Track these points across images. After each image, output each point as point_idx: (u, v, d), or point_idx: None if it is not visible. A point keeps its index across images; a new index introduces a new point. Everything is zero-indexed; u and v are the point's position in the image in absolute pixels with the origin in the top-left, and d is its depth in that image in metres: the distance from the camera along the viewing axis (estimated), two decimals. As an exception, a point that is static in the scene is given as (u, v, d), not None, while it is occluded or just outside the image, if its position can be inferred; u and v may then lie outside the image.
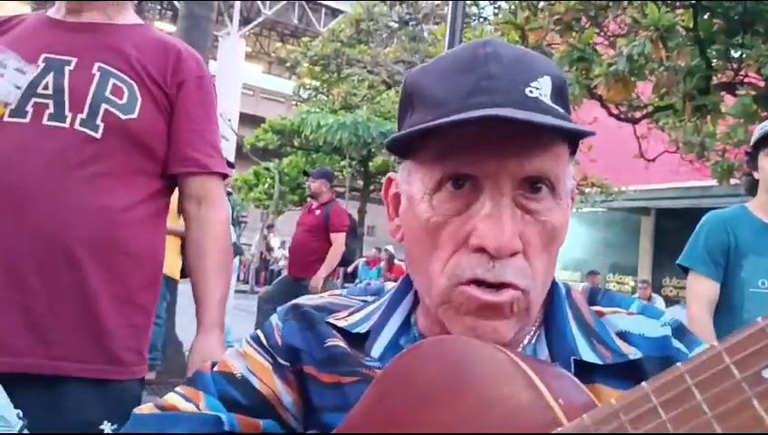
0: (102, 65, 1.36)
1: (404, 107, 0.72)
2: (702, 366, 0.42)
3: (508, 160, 0.63)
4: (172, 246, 4.96)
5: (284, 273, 6.76)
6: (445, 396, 0.57)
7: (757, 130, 2.17)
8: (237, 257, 6.22)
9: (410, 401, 0.59)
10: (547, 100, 0.65)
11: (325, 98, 19.73)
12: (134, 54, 1.40)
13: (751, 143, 2.20)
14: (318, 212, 5.43)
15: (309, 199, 5.88)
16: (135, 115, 1.36)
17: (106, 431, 1.31)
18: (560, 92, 0.67)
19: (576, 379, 0.59)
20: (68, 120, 1.32)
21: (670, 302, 11.63)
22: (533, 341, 0.73)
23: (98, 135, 1.33)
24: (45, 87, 1.33)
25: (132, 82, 1.37)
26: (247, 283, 18.10)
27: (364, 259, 12.65)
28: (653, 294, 10.54)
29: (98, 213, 1.32)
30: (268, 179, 18.14)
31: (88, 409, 1.30)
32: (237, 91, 29.82)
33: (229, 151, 21.70)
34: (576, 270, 14.62)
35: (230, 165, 5.95)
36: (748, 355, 0.40)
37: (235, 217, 6.46)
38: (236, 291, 7.93)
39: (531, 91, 0.64)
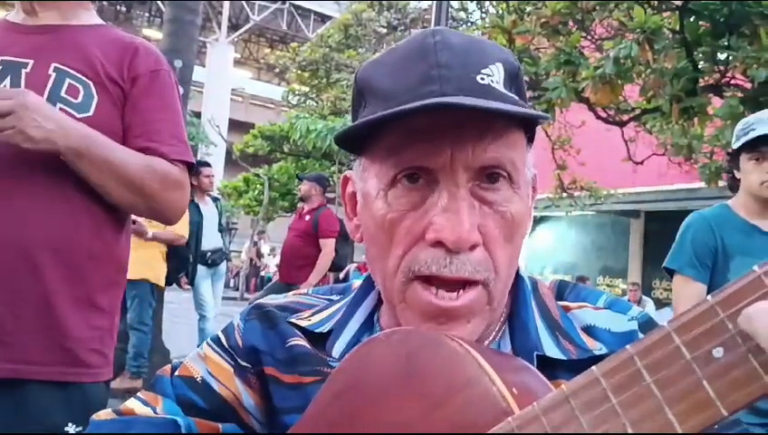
0: (58, 66, 1.36)
1: (357, 102, 0.71)
2: (651, 347, 0.41)
3: (462, 150, 0.62)
4: (157, 253, 4.94)
5: (275, 279, 6.74)
6: (397, 390, 0.56)
7: (738, 131, 2.15)
8: (225, 263, 6.20)
9: (364, 396, 0.58)
10: (499, 86, 0.64)
11: (315, 103, 19.69)
12: (91, 53, 1.39)
13: (732, 146, 2.19)
14: (308, 217, 5.41)
15: (300, 205, 5.85)
16: (90, 113, 1.35)
17: (71, 433, 1.30)
18: (513, 79, 0.66)
19: (535, 369, 0.57)
20: None
21: (661, 304, 11.66)
22: (498, 337, 0.71)
23: None
24: None
25: (88, 80, 1.37)
26: (237, 289, 18.02)
27: (355, 265, 12.61)
28: (643, 297, 10.56)
29: (55, 214, 1.32)
30: (258, 186, 18.07)
31: (51, 412, 1.30)
32: (226, 98, 29.83)
33: (218, 158, 21.65)
34: (566, 273, 14.64)
35: (206, 164, 5.91)
36: (698, 335, 0.39)
37: (225, 223, 6.44)
38: (224, 298, 7.88)
39: (482, 78, 0.63)
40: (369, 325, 0.77)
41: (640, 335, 0.69)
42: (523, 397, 0.50)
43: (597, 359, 0.66)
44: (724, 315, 0.38)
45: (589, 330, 0.71)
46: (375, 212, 0.66)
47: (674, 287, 2.22)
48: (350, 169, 0.75)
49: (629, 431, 0.40)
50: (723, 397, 0.37)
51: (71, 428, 1.30)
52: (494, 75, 0.64)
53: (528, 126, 0.67)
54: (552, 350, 0.68)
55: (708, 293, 1.95)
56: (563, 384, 0.45)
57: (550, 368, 0.66)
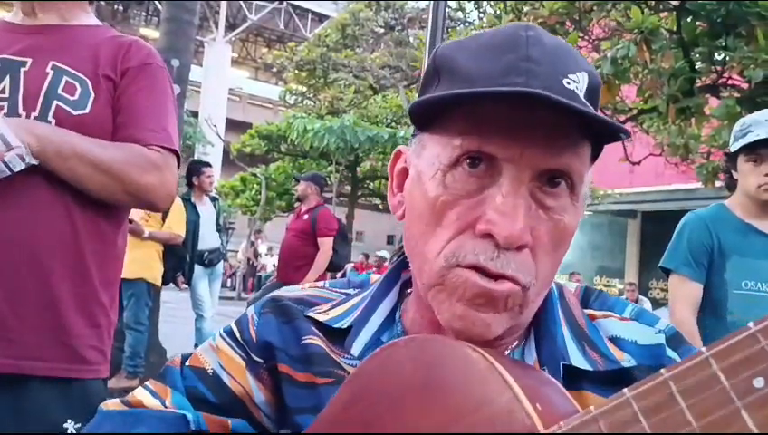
0: (56, 63, 1.37)
1: (429, 78, 0.68)
2: (687, 372, 0.38)
3: (534, 148, 0.60)
4: (154, 253, 4.93)
5: (273, 279, 6.73)
6: (416, 400, 0.54)
7: (735, 132, 2.16)
8: (221, 263, 6.19)
9: (382, 404, 0.56)
10: (581, 96, 0.61)
11: (312, 103, 19.71)
12: (89, 52, 1.40)
13: (730, 147, 2.19)
14: (306, 217, 5.41)
15: (298, 204, 5.85)
16: (87, 110, 1.36)
17: (69, 431, 1.30)
18: (593, 93, 0.64)
19: (559, 384, 0.56)
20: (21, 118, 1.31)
21: (657, 304, 11.69)
22: (522, 343, 0.69)
23: None
24: (3, 90, 1.33)
25: (85, 78, 1.37)
26: (234, 289, 18.01)
27: (352, 265, 12.62)
28: (640, 297, 10.59)
29: (56, 211, 1.32)
30: (255, 185, 18.06)
31: (51, 408, 1.30)
32: (224, 97, 29.81)
33: (215, 157, 21.65)
34: (564, 273, 14.67)
35: (207, 165, 5.92)
36: (737, 362, 0.37)
37: (223, 223, 6.42)
38: (221, 297, 7.87)
39: (568, 83, 0.61)
40: (390, 322, 0.74)
41: (668, 349, 0.67)
42: (548, 413, 0.48)
43: (623, 371, 0.65)
44: (765, 343, 0.36)
45: (614, 341, 0.68)
46: (428, 191, 0.64)
47: (670, 287, 2.22)
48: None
49: None
50: (763, 429, 0.35)
51: (69, 425, 1.31)
52: (580, 83, 0.62)
53: (596, 144, 0.65)
54: (578, 360, 0.66)
55: (704, 292, 1.95)
56: (592, 405, 0.43)
57: (575, 378, 0.65)
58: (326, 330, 0.75)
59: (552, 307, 0.70)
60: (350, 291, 0.81)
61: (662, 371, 0.40)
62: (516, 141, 0.60)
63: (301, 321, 0.76)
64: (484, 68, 0.61)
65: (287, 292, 0.81)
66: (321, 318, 0.76)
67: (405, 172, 0.71)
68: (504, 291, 0.60)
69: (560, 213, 0.62)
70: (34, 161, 1.24)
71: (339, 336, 0.74)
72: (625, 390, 0.41)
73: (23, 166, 1.22)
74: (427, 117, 0.66)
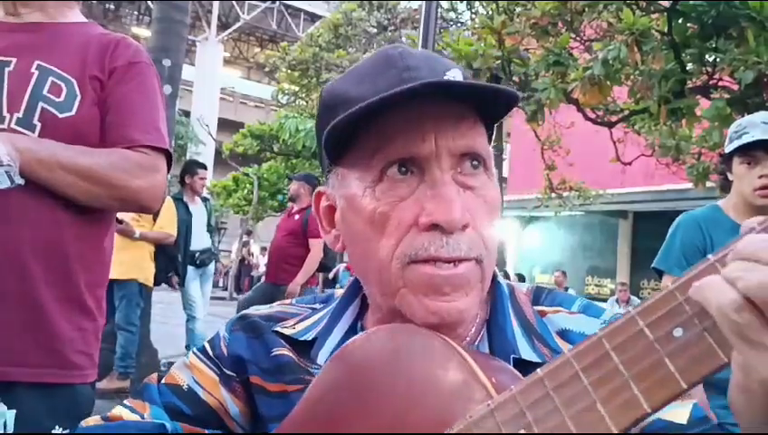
0: (41, 63, 1.34)
1: (325, 116, 0.71)
2: (618, 331, 0.44)
3: (445, 137, 0.66)
4: (146, 253, 4.91)
5: (264, 279, 6.71)
6: (384, 384, 0.58)
7: (731, 133, 2.17)
8: (213, 263, 6.16)
9: (352, 391, 0.60)
10: None
11: (304, 103, 19.64)
12: (75, 51, 1.38)
13: (725, 148, 2.20)
14: (297, 217, 5.39)
15: (290, 204, 5.83)
16: (73, 112, 1.34)
17: None
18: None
19: (513, 368, 0.62)
20: (5, 120, 1.30)
21: (648, 304, 11.73)
22: (476, 340, 0.74)
23: (34, 134, 1.30)
24: None
25: (72, 78, 1.35)
26: (226, 289, 17.95)
27: (344, 265, 12.59)
28: (632, 297, 10.63)
29: (41, 215, 1.30)
30: (247, 185, 18.03)
31: (39, 414, 1.29)
32: (216, 97, 29.67)
33: (207, 157, 21.57)
34: (555, 273, 14.71)
35: (203, 166, 5.90)
36: (660, 317, 0.43)
37: (214, 223, 6.41)
38: (213, 298, 7.85)
39: (449, 78, 0.68)
40: (352, 333, 0.78)
41: None
42: (502, 385, 0.53)
43: None
44: (682, 299, 0.42)
45: (563, 334, 0.74)
46: (364, 208, 0.68)
47: (662, 288, 2.22)
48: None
49: (600, 408, 0.43)
50: (683, 372, 0.41)
51: (57, 430, 1.30)
52: (458, 77, 0.69)
53: (487, 126, 0.72)
54: (527, 353, 0.71)
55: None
56: (539, 369, 0.48)
57: (525, 370, 0.68)
58: (293, 343, 0.80)
59: (503, 306, 0.76)
60: (316, 306, 0.86)
61: (597, 331, 0.45)
62: (428, 135, 0.66)
63: (269, 335, 0.81)
64: (372, 88, 0.67)
65: (255, 310, 0.86)
66: (288, 332, 0.81)
67: (330, 209, 0.76)
68: (464, 272, 0.65)
69: (483, 190, 0.69)
70: (21, 181, 1.23)
71: (305, 348, 0.79)
72: (565, 351, 0.46)
73: (8, 185, 1.21)
74: (337, 149, 0.70)
